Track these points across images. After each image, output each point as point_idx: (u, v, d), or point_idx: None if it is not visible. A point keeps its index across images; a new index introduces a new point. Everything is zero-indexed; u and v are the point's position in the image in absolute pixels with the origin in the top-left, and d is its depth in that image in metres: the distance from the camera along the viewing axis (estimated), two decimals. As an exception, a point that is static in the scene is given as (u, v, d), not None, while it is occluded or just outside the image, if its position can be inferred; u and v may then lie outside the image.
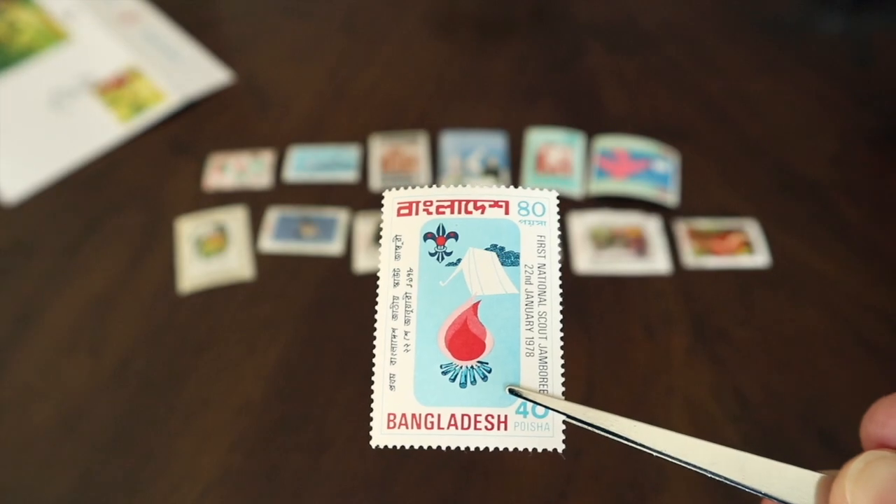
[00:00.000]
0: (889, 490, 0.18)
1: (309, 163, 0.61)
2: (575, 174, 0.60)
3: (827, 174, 0.61)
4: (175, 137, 0.65)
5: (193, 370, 0.48)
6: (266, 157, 0.62)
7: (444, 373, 0.22)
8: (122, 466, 0.42)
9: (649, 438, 0.21)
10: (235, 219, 0.57)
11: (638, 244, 0.54)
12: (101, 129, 0.65)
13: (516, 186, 0.24)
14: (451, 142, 0.63)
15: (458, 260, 0.23)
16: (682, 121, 0.66)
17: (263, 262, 0.54)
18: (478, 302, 0.23)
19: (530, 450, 0.22)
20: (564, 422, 0.22)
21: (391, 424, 0.22)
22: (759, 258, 0.54)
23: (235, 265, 0.54)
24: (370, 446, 0.46)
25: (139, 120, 0.66)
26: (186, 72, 0.70)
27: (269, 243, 0.55)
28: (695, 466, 0.21)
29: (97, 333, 0.50)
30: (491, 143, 0.63)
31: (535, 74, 0.71)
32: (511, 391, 0.22)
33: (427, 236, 0.23)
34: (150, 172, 0.62)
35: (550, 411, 0.22)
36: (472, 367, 0.22)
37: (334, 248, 0.55)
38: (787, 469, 0.21)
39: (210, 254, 0.54)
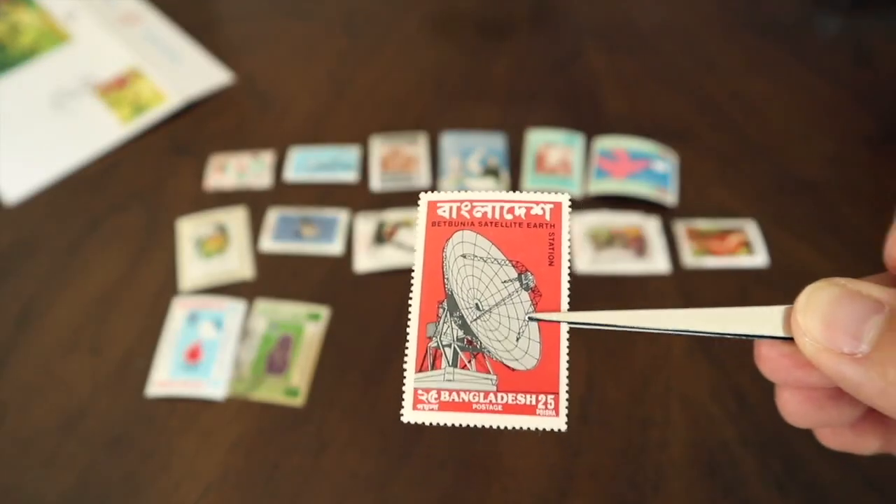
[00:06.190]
0: (830, 312, 0.22)
1: (309, 163, 0.62)
2: (574, 174, 0.60)
3: (825, 174, 0.61)
4: (176, 138, 0.65)
5: (194, 370, 0.48)
6: (266, 158, 0.62)
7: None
8: (123, 465, 0.43)
9: (646, 320, 0.24)
10: (236, 219, 0.57)
11: (637, 244, 0.55)
12: (102, 130, 0.65)
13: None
14: (451, 142, 0.63)
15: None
16: (681, 121, 0.66)
17: (263, 262, 0.54)
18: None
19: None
20: (570, 330, 0.24)
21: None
22: (757, 258, 0.54)
23: (236, 265, 0.54)
24: (371, 446, 0.46)
25: (140, 120, 0.66)
26: (187, 72, 0.71)
27: (270, 243, 0.55)
28: (689, 332, 0.24)
29: (98, 333, 0.50)
30: (491, 144, 0.63)
31: (535, 75, 0.72)
32: (531, 318, 0.24)
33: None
34: (151, 173, 0.62)
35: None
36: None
37: (334, 248, 0.55)
38: (756, 310, 0.24)
39: (210, 254, 0.54)
